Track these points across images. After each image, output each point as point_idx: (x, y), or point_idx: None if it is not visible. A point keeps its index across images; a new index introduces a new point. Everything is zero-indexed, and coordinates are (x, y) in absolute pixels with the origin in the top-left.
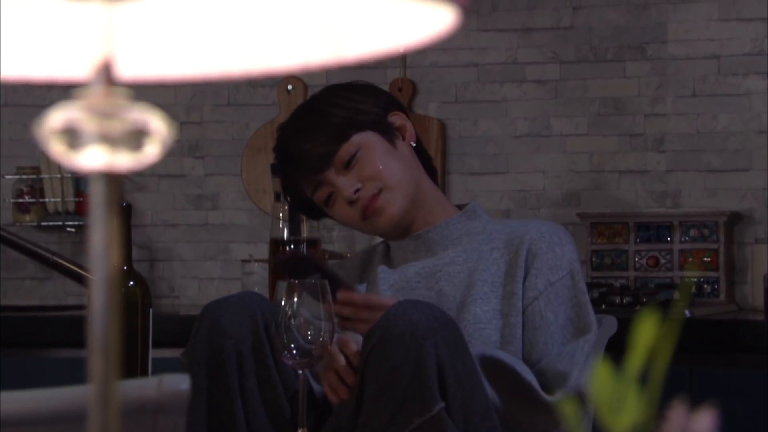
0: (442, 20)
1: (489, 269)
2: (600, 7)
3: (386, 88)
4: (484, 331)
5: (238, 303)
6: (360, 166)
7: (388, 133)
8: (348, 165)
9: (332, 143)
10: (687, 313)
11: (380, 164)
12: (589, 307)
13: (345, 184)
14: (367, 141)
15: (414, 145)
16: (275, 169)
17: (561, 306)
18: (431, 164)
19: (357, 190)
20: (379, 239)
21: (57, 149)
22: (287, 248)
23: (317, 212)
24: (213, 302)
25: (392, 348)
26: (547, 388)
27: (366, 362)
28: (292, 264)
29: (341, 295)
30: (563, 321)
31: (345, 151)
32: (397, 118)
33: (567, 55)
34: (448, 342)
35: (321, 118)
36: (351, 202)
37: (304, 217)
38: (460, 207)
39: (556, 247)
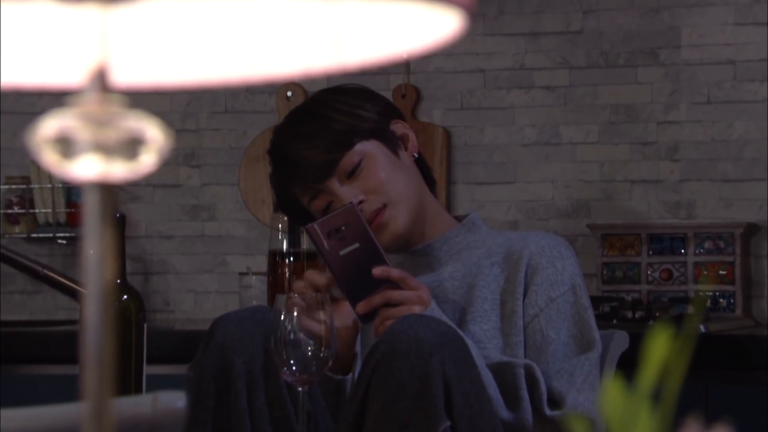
0: (448, 25)
1: (489, 286)
2: (611, 10)
3: (389, 94)
4: (484, 351)
5: (250, 318)
6: (364, 177)
7: (391, 142)
8: (351, 175)
9: (335, 151)
10: (702, 328)
11: (384, 176)
12: (593, 323)
13: (348, 194)
14: (370, 150)
15: (416, 156)
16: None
17: (563, 323)
18: (431, 175)
19: (360, 202)
20: None
21: (50, 158)
22: (287, 260)
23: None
24: (223, 316)
25: (397, 364)
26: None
27: (370, 379)
28: (334, 222)
29: (377, 269)
30: (566, 338)
31: (348, 160)
32: (399, 127)
33: (577, 61)
34: (455, 359)
35: (323, 124)
36: None
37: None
38: (458, 219)
39: (557, 261)
